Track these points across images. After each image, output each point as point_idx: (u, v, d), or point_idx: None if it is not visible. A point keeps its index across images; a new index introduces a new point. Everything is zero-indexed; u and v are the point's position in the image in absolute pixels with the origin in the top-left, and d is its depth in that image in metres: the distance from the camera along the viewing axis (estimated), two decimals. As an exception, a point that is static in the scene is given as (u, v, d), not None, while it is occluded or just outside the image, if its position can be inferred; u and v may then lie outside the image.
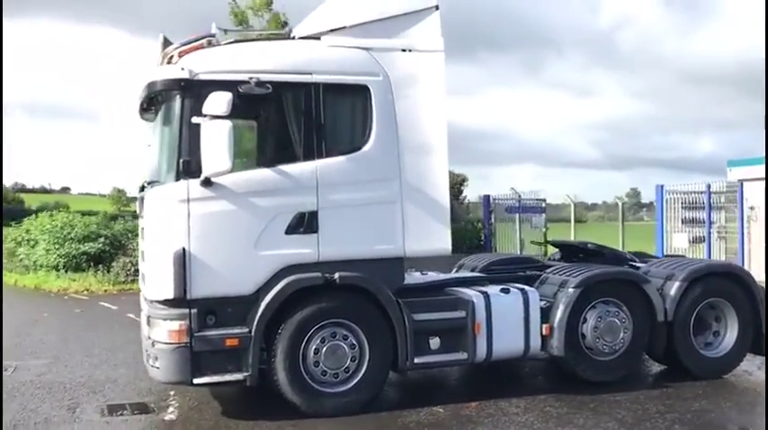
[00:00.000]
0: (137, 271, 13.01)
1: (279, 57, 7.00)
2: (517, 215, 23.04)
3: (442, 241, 7.36)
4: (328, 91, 6.97)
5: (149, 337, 6.78)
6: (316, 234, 6.86)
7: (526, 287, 7.73)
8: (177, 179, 6.57)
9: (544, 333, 7.57)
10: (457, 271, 9.74)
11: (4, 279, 20.50)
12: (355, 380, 6.95)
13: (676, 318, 8.08)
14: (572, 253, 9.70)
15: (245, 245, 6.69)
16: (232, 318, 6.68)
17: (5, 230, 22.62)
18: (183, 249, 6.49)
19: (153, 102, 7.17)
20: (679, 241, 16.83)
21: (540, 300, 7.77)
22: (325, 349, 6.83)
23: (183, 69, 6.62)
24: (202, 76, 6.61)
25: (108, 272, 18.30)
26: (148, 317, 6.83)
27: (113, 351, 10.00)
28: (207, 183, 6.51)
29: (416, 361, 7.11)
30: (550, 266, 8.67)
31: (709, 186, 16.58)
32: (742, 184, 16.32)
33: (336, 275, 6.85)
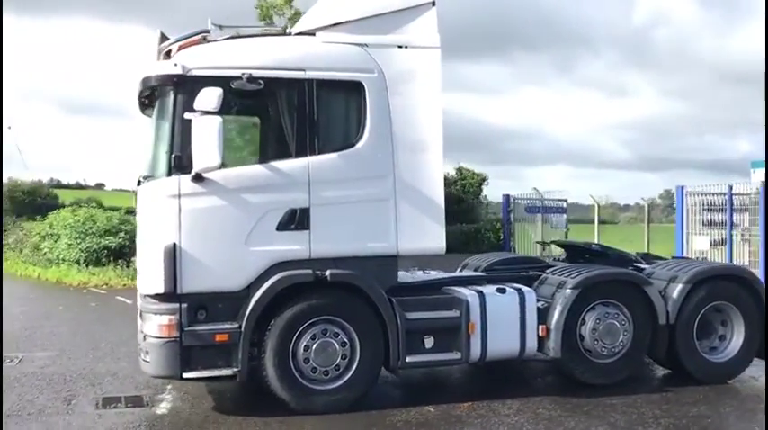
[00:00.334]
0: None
1: (272, 53, 6.99)
2: (539, 215, 22.83)
3: (436, 240, 7.30)
4: (322, 87, 6.95)
5: (141, 331, 6.83)
6: (307, 231, 6.85)
7: (523, 287, 7.63)
8: (169, 174, 6.61)
9: (540, 334, 7.47)
10: (461, 270, 9.66)
11: (28, 272, 20.92)
12: (346, 378, 6.92)
13: (679, 321, 7.91)
14: (577, 254, 9.57)
15: (236, 240, 6.70)
16: (223, 314, 6.70)
17: (31, 225, 23.05)
18: (174, 244, 6.52)
19: (150, 97, 7.21)
20: (700, 244, 16.49)
21: (539, 300, 7.67)
22: (315, 346, 6.82)
23: (176, 65, 6.65)
24: (195, 72, 6.64)
25: (127, 266, 18.51)
26: (141, 311, 6.89)
27: (119, 344, 10.10)
28: (198, 178, 6.53)
29: (408, 360, 7.07)
30: (552, 267, 8.55)
31: (730, 188, 16.22)
32: (766, 186, 15.94)
33: (328, 272, 6.83)
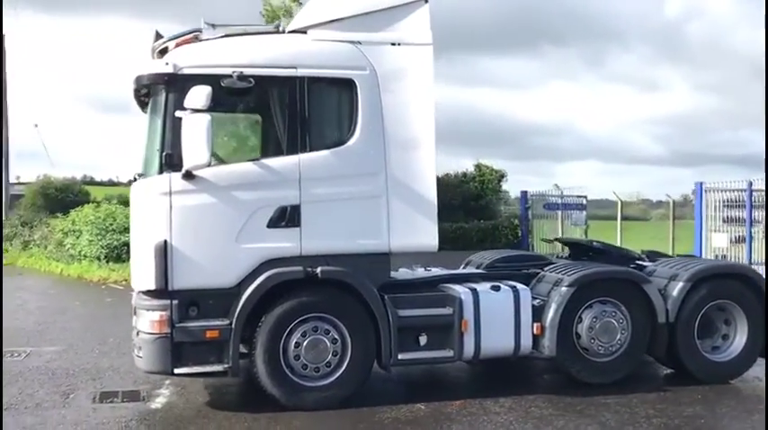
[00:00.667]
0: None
1: (263, 51, 7.03)
2: (559, 212, 22.62)
3: (428, 237, 7.28)
4: (313, 85, 6.97)
5: (135, 327, 6.93)
6: (298, 228, 6.88)
7: (518, 285, 7.58)
8: (160, 172, 6.69)
9: (535, 332, 7.41)
10: (464, 267, 9.62)
11: (52, 268, 21.32)
12: (337, 375, 6.94)
13: (679, 320, 7.79)
14: (581, 251, 9.47)
15: (227, 238, 6.75)
16: (214, 310, 6.76)
17: (54, 221, 23.44)
18: (165, 241, 6.59)
19: (147, 95, 7.29)
20: (718, 241, 16.22)
21: (535, 298, 7.62)
22: (306, 343, 6.85)
23: (167, 64, 6.72)
24: (186, 71, 6.69)
25: (146, 262, 18.72)
26: (135, 307, 6.98)
27: (126, 340, 10.08)
28: (188, 176, 6.59)
29: (400, 357, 7.07)
30: (553, 264, 8.48)
31: (750, 184, 15.92)
32: (767, 184, 15.69)
33: (318, 270, 6.85)
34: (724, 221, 16.78)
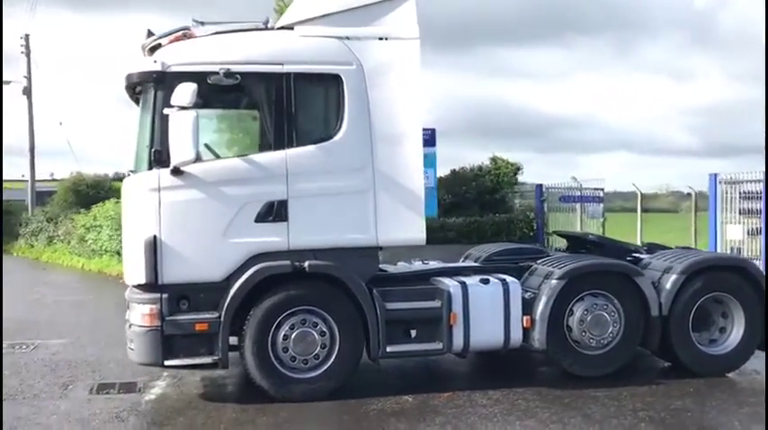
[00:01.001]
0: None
1: (249, 48, 7.12)
2: (578, 205, 22.41)
3: (415, 230, 7.33)
4: (299, 80, 7.05)
5: (127, 320, 7.08)
6: (285, 222, 6.97)
7: (507, 278, 7.59)
8: (149, 168, 6.82)
9: (525, 325, 7.42)
10: (464, 260, 9.67)
11: (74, 263, 21.77)
12: (325, 367, 7.02)
13: (673, 313, 7.74)
14: (579, 244, 9.44)
15: (215, 232, 6.86)
16: (204, 304, 6.88)
17: (76, 217, 23.89)
18: (154, 236, 6.73)
19: (138, 93, 7.43)
20: (733, 233, 15.95)
21: (526, 291, 7.63)
22: (294, 335, 6.93)
23: (155, 62, 6.84)
24: (174, 69, 6.81)
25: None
26: (127, 300, 7.13)
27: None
28: (176, 172, 6.70)
29: (389, 349, 7.13)
30: (545, 257, 8.47)
31: (766, 174, 15.63)
32: (766, 179, 15.44)
33: (306, 263, 6.94)
34: (740, 213, 16.48)
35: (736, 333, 8.02)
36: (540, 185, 22.09)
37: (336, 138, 7.11)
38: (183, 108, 6.51)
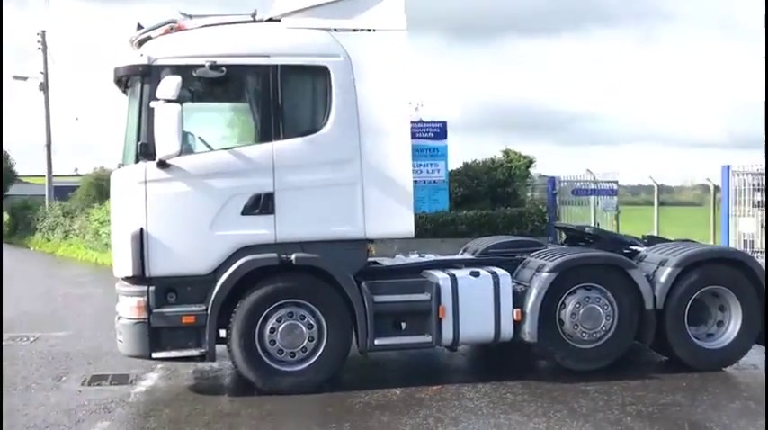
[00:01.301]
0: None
1: (236, 40, 7.11)
2: (592, 198, 22.20)
3: (403, 223, 7.30)
4: (286, 73, 7.03)
5: (117, 312, 7.13)
6: (272, 215, 6.96)
7: (498, 270, 7.53)
8: (136, 161, 6.85)
9: (516, 318, 7.36)
10: (462, 253, 9.60)
11: (88, 257, 21.98)
12: (312, 360, 7.01)
13: (668, 306, 7.63)
14: (576, 237, 9.33)
15: (201, 225, 6.87)
16: (192, 296, 6.90)
17: (91, 211, 24.12)
18: (141, 229, 6.76)
19: (126, 86, 7.45)
20: (744, 226, 15.71)
21: (518, 284, 7.57)
22: (281, 328, 6.93)
23: (142, 56, 6.86)
24: (160, 62, 6.82)
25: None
26: (116, 293, 7.18)
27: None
28: (162, 164, 6.72)
29: (377, 342, 7.11)
30: (540, 250, 8.38)
31: (766, 172, 15.38)
32: (767, 174, 15.18)
33: (293, 256, 6.93)
34: (754, 206, 16.23)
35: (733, 327, 7.89)
36: (553, 178, 21.92)
37: (323, 130, 7.09)
38: (168, 101, 6.52)
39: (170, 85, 6.52)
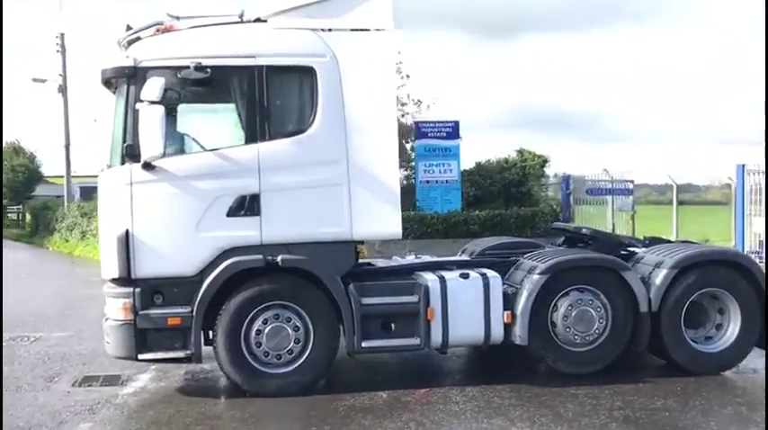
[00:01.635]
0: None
1: (221, 41, 7.08)
2: (609, 197, 21.95)
3: (391, 224, 7.24)
4: (272, 73, 7.00)
5: (104, 314, 7.15)
6: (258, 216, 6.93)
7: (488, 272, 7.43)
8: (122, 163, 6.86)
9: (506, 320, 7.26)
10: (461, 254, 9.50)
11: (95, 255, 22.15)
12: (299, 362, 6.97)
13: (663, 309, 7.47)
14: (575, 238, 9.18)
15: (187, 227, 6.86)
16: (178, 298, 6.89)
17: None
18: (127, 231, 6.77)
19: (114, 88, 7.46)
20: (758, 225, 15.43)
21: (510, 286, 7.47)
22: (267, 330, 6.90)
23: (127, 57, 6.87)
24: (145, 64, 6.83)
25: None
26: (104, 294, 7.20)
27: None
28: (147, 166, 6.73)
29: (364, 345, 7.05)
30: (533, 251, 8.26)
31: (767, 170, 15.11)
32: (767, 174, 14.89)
33: (279, 258, 6.90)
34: (769, 206, 15.90)
35: (732, 330, 7.71)
36: (567, 178, 21.72)
37: (310, 130, 7.05)
38: (152, 103, 6.52)
39: (154, 87, 6.52)
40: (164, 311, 6.83)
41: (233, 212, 6.90)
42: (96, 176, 7.57)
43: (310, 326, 6.97)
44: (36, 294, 14.47)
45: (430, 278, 7.27)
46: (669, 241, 9.16)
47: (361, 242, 7.67)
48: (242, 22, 7.34)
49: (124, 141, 6.83)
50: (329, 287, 6.96)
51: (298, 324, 6.96)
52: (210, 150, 6.99)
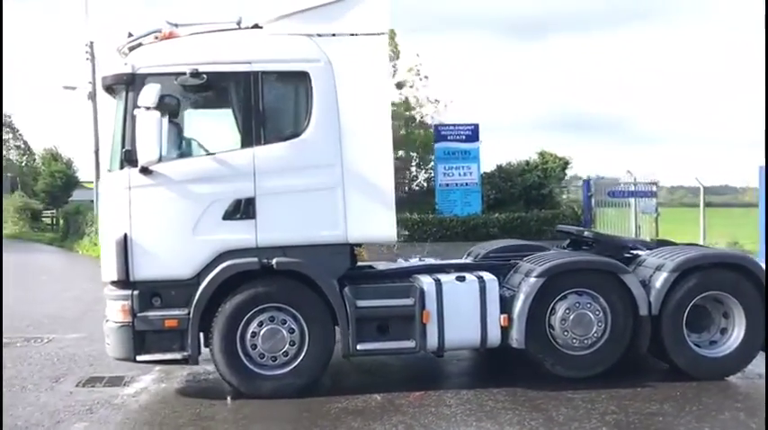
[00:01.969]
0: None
1: (217, 48, 7.18)
2: (632, 200, 21.70)
3: (386, 227, 7.26)
4: (267, 79, 7.08)
5: (105, 316, 7.29)
6: (253, 220, 7.01)
7: (485, 275, 7.40)
8: (121, 167, 6.99)
9: (503, 323, 7.23)
10: (466, 257, 9.49)
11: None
12: (294, 364, 7.03)
13: (664, 312, 7.37)
14: (580, 241, 9.11)
15: (184, 230, 6.97)
16: (176, 300, 7.00)
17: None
18: (125, 234, 6.89)
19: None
20: (784, 227, 15.07)
21: (508, 289, 7.44)
22: (263, 332, 6.97)
23: (126, 65, 7.01)
24: (143, 71, 6.95)
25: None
26: (105, 296, 7.34)
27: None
28: (145, 171, 6.84)
29: (360, 347, 7.08)
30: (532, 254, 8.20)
31: (767, 170, 14.76)
32: (766, 173, 14.52)
33: (274, 261, 6.96)
34: (794, 207, 15.55)
35: (737, 334, 7.58)
36: (588, 180, 21.52)
37: (304, 135, 7.11)
38: (148, 109, 6.64)
39: (150, 93, 6.64)
40: (161, 313, 6.94)
41: (229, 216, 6.99)
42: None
43: (305, 329, 7.03)
44: (58, 297, 14.75)
45: (426, 281, 7.28)
46: (676, 243, 9.02)
47: (359, 245, 7.70)
48: (240, 28, 7.44)
49: (123, 146, 6.96)
50: (324, 290, 7.01)
51: (293, 326, 7.02)
52: (207, 155, 7.10)
